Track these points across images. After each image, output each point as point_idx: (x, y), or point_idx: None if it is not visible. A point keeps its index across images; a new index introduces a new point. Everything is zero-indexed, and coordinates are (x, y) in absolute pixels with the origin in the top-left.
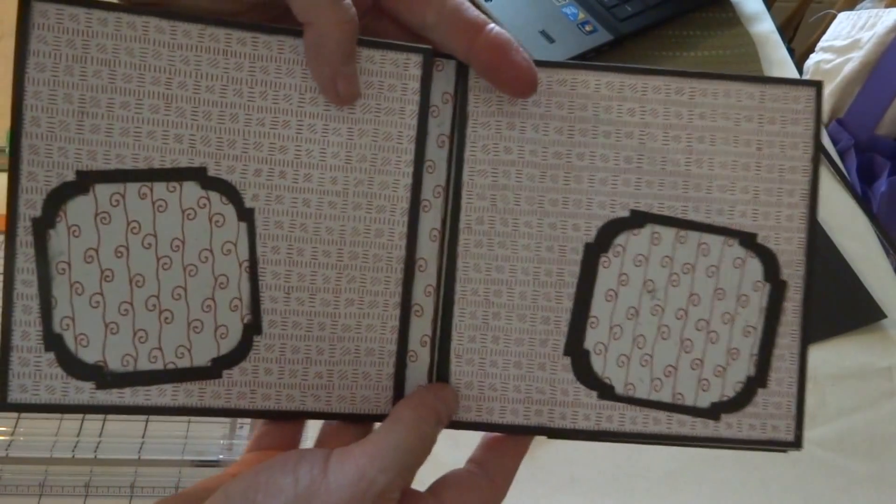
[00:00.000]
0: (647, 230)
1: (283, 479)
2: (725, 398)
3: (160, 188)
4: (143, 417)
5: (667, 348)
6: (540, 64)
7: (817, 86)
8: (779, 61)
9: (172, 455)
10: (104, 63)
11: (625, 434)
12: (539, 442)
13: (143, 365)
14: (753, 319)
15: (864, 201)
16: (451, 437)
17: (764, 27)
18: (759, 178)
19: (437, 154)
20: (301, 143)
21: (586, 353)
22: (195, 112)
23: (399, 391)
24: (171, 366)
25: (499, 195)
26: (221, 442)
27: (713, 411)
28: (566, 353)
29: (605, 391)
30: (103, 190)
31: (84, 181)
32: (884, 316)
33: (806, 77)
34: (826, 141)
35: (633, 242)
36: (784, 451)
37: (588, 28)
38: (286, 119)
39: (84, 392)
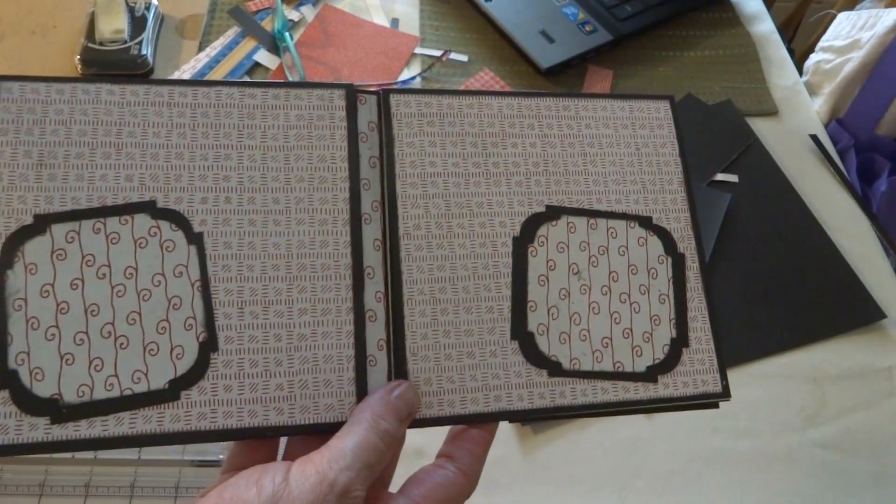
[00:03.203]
0: (563, 220)
1: (246, 493)
2: (658, 360)
3: (113, 222)
4: None
5: (600, 322)
6: (443, 93)
7: (670, 98)
8: (779, 61)
9: (172, 455)
10: (61, 123)
11: (578, 407)
12: (539, 442)
13: (100, 394)
14: (665, 288)
15: (864, 201)
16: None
17: (764, 27)
18: (643, 171)
19: (370, 173)
20: (243, 171)
21: (531, 335)
22: (143, 155)
23: (362, 396)
24: (127, 392)
25: (431, 203)
26: (222, 442)
27: (650, 374)
28: (513, 337)
29: (554, 368)
30: (59, 229)
31: (41, 223)
32: (884, 316)
33: (806, 77)
34: (826, 141)
35: (553, 232)
36: (716, 406)
37: (588, 28)
38: (227, 153)
39: (38, 429)
